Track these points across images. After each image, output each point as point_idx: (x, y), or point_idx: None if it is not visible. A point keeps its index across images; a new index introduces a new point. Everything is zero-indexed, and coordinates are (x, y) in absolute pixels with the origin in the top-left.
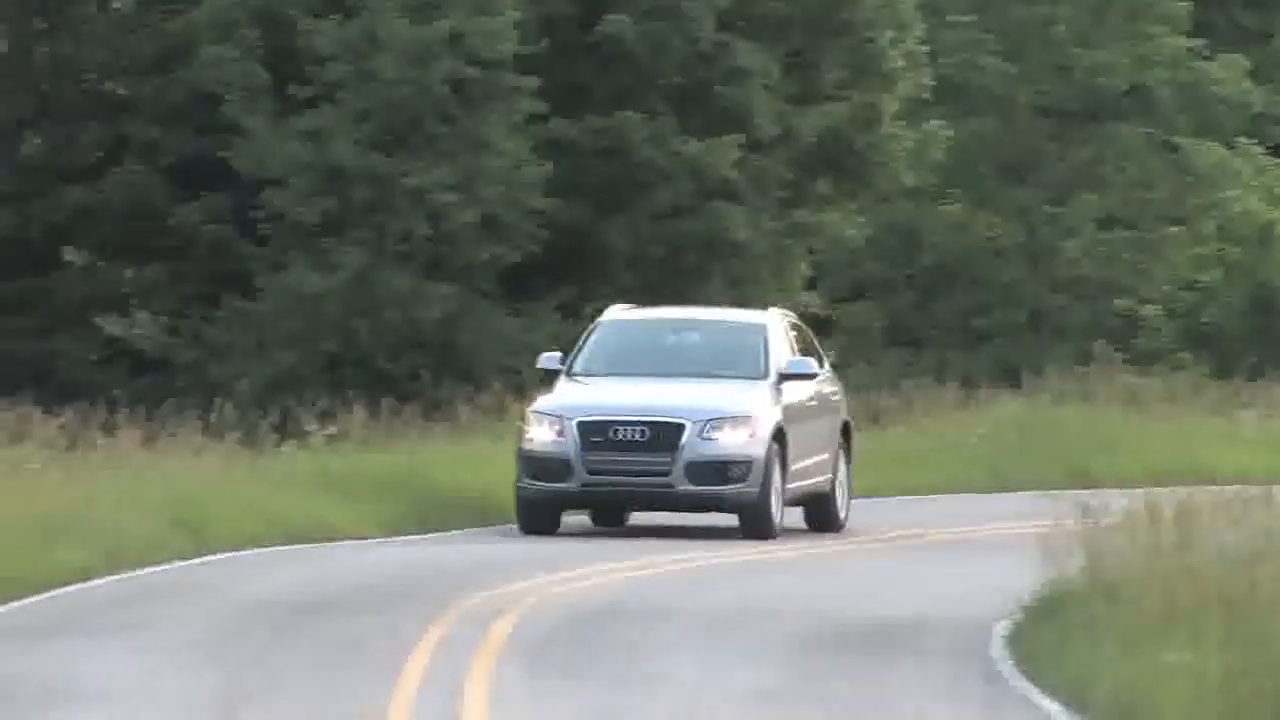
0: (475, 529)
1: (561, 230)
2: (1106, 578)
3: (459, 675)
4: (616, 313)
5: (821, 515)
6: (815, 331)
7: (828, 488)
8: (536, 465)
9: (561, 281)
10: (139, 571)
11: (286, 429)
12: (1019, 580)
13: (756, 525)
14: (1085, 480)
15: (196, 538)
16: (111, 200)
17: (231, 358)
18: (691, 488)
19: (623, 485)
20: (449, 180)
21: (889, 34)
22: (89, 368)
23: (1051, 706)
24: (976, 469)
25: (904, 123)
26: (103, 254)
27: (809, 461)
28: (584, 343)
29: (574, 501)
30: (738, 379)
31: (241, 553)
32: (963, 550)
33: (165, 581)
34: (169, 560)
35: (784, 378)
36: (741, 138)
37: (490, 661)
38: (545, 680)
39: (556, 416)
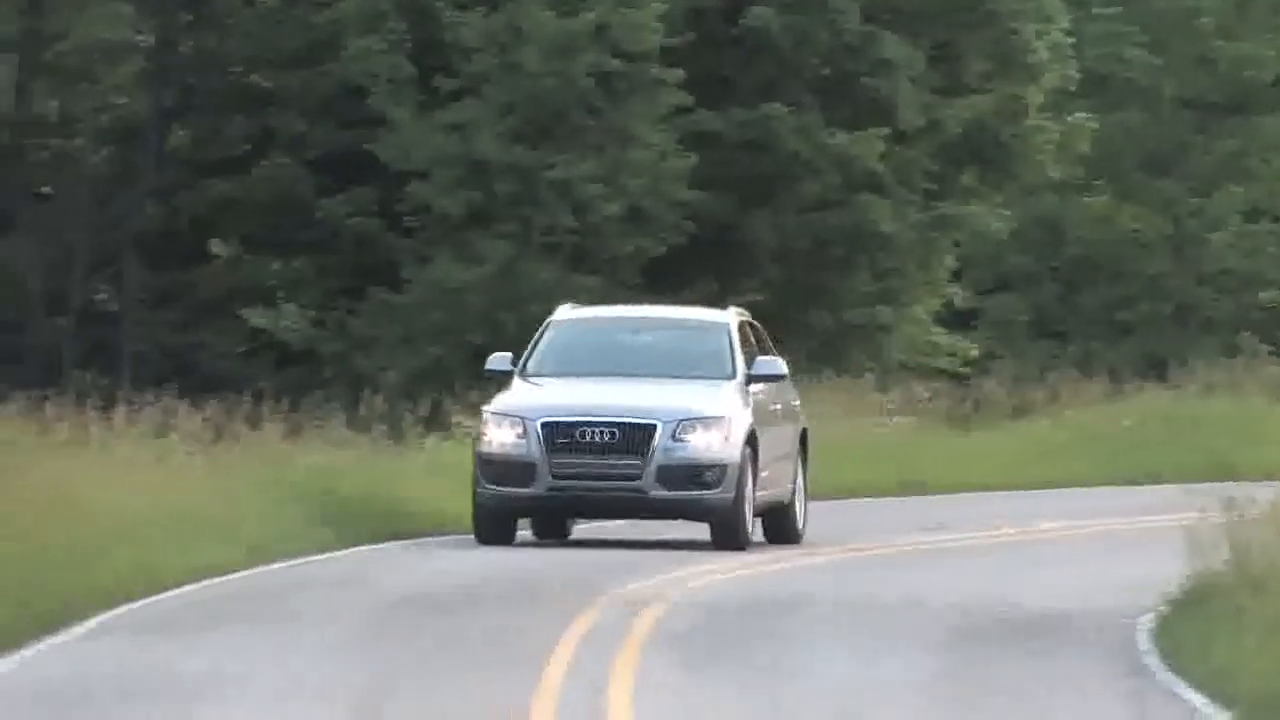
0: (618, 521)
1: (706, 222)
2: (1252, 570)
3: (604, 669)
4: (568, 312)
5: (781, 526)
6: (961, 323)
7: (788, 498)
8: (497, 470)
9: (705, 274)
10: (283, 564)
11: (433, 421)
12: (1165, 572)
13: (728, 534)
14: (1230, 472)
15: (340, 531)
16: (257, 193)
17: (377, 350)
18: (664, 493)
19: (591, 490)
20: (594, 173)
21: (1034, 26)
22: (234, 360)
23: (1197, 699)
24: (1122, 461)
25: (1049, 115)
26: (249, 247)
27: (774, 469)
28: (537, 342)
29: (538, 508)
30: (704, 380)
31: (386, 546)
32: (1108, 543)
33: (310, 575)
34: (313, 553)
35: (751, 379)
36: (887, 130)
37: (635, 654)
38: (691, 673)
39: (517, 417)
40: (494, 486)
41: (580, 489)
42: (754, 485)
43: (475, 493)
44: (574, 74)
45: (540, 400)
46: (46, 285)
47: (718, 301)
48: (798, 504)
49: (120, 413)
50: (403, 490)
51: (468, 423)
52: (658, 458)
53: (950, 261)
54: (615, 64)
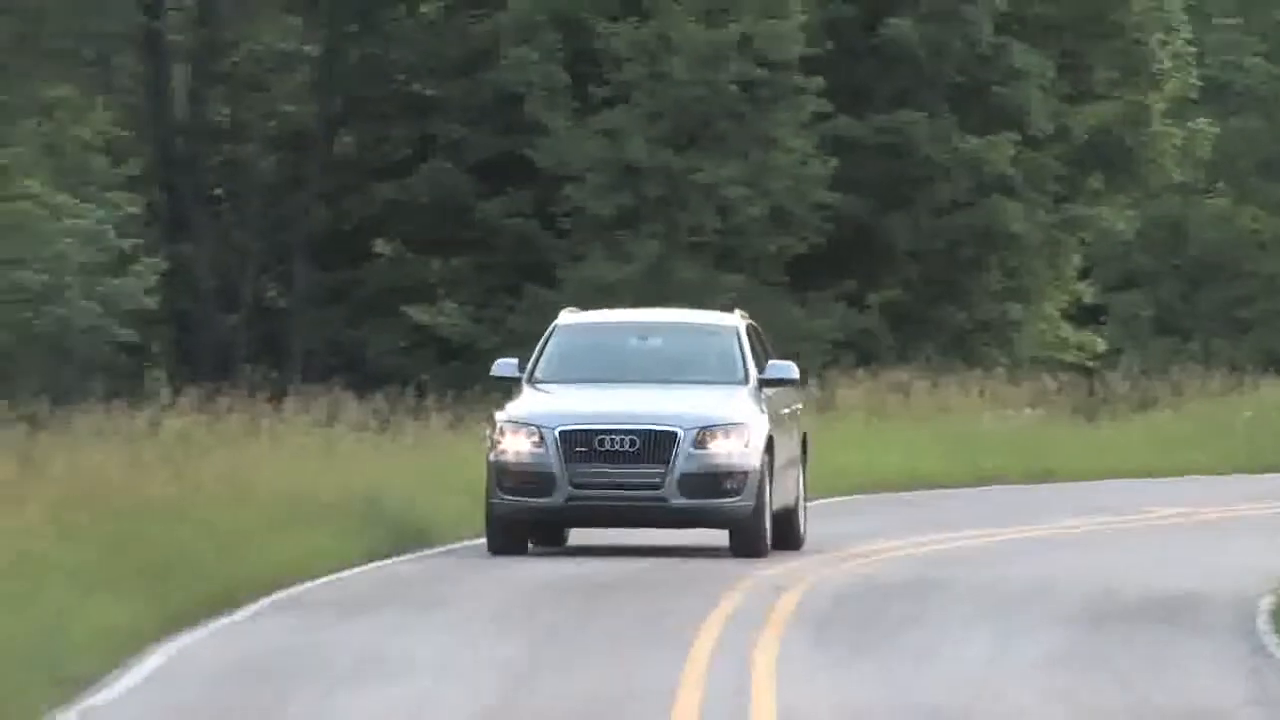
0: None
1: (845, 223)
2: None
3: (747, 648)
4: (572, 316)
5: (785, 532)
6: (1088, 319)
7: (794, 504)
8: (514, 479)
9: (844, 272)
10: (443, 550)
11: None
12: None
13: (748, 542)
14: None
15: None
16: (419, 196)
17: (533, 345)
18: (685, 501)
19: (611, 500)
20: (738, 176)
21: (1157, 36)
22: (397, 354)
23: None
24: (1242, 451)
25: (1171, 121)
26: (411, 246)
27: (785, 475)
28: (543, 348)
29: (557, 517)
30: (717, 385)
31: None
32: (1228, 529)
33: (468, 560)
34: (472, 538)
35: (764, 383)
36: (1017, 135)
37: (777, 635)
38: (831, 653)
39: (534, 426)
40: (511, 496)
41: (600, 498)
42: (772, 492)
43: (490, 503)
44: (720, 82)
45: (556, 407)
46: (219, 284)
47: (857, 299)
48: (800, 510)
49: (289, 404)
50: None
51: None
52: (680, 465)
53: (1078, 260)
54: (759, 73)
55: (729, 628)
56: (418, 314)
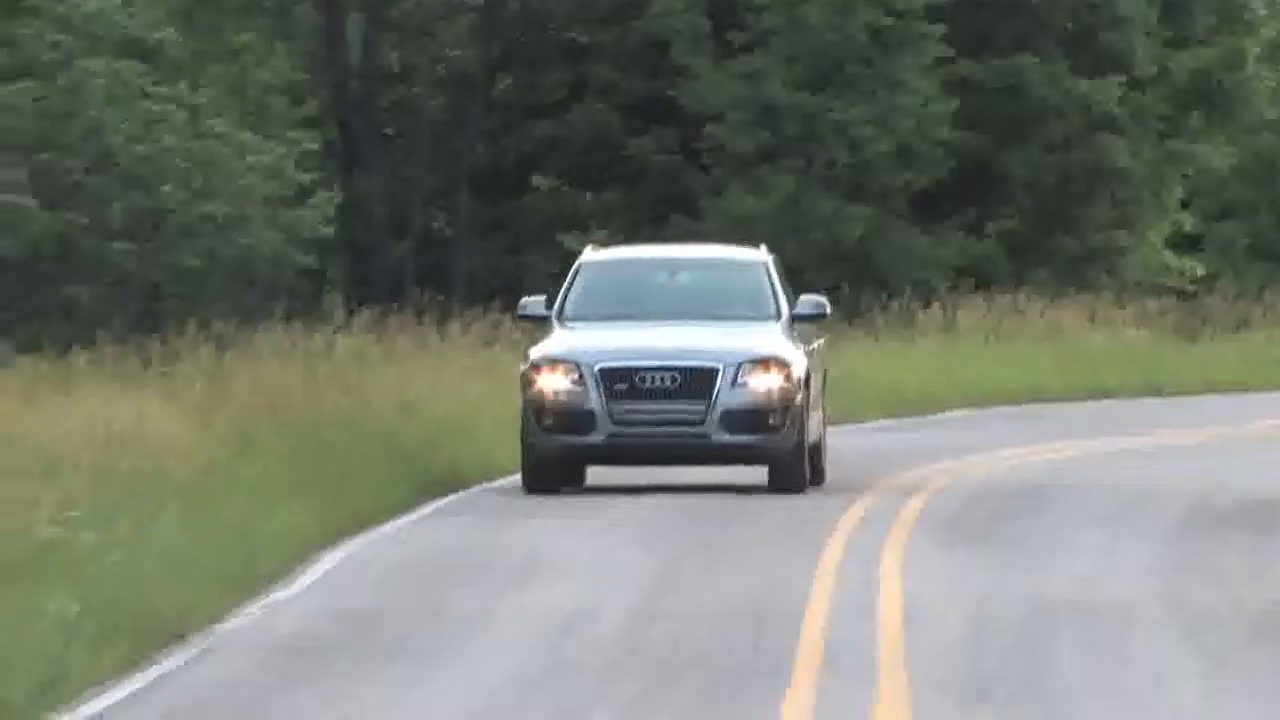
0: (888, 420)
1: (965, 159)
2: None
3: (876, 547)
4: (597, 254)
5: (811, 468)
6: (1189, 246)
7: (820, 440)
8: (553, 416)
9: (965, 204)
10: None
11: None
12: None
13: (789, 477)
14: None
15: None
16: (574, 134)
17: None
18: (728, 438)
19: (653, 437)
20: (868, 115)
21: None
22: (553, 280)
23: None
24: None
25: (1266, 64)
26: (566, 180)
27: (815, 412)
28: (570, 286)
29: (597, 456)
30: (750, 320)
31: None
32: None
33: (619, 471)
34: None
35: (796, 319)
36: (1123, 77)
37: (903, 536)
38: (952, 552)
39: (572, 363)
40: (551, 435)
41: (642, 435)
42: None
43: (527, 441)
44: (851, 29)
45: (594, 344)
46: (390, 215)
47: (976, 229)
48: (823, 447)
49: (453, 326)
50: None
51: None
52: (722, 401)
53: (1179, 192)
54: (887, 20)
55: (860, 530)
56: (572, 242)
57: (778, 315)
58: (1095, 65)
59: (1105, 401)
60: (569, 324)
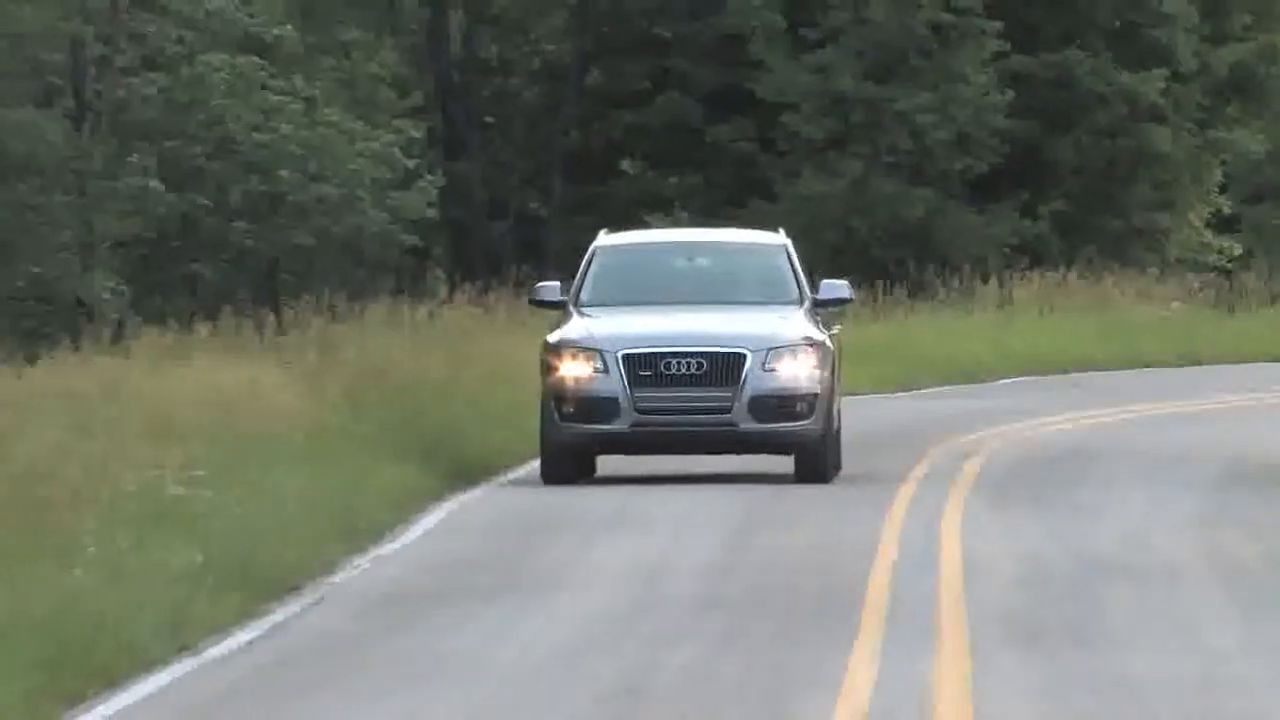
0: (947, 386)
1: (1018, 145)
2: None
3: (937, 505)
4: (612, 238)
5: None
6: (1226, 227)
7: (838, 426)
8: (575, 405)
9: (1018, 187)
10: None
11: None
12: None
13: (816, 467)
14: None
15: None
16: (657, 121)
17: None
18: (756, 425)
19: (678, 425)
20: (929, 105)
21: None
22: None
23: None
24: None
25: None
26: (650, 164)
27: (837, 399)
28: (586, 271)
29: (620, 444)
30: (771, 305)
31: None
32: None
33: None
34: None
35: (819, 303)
36: (1166, 71)
37: (962, 493)
38: (1006, 508)
39: (594, 350)
40: (573, 423)
41: (668, 423)
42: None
43: (545, 430)
44: (914, 25)
45: (616, 330)
46: (489, 196)
47: (1029, 210)
48: (839, 438)
49: None
50: None
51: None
52: (750, 388)
53: (1218, 176)
54: (947, 16)
55: (922, 489)
56: (656, 222)
57: (800, 300)
58: (1139, 59)
59: (1148, 370)
60: (586, 310)
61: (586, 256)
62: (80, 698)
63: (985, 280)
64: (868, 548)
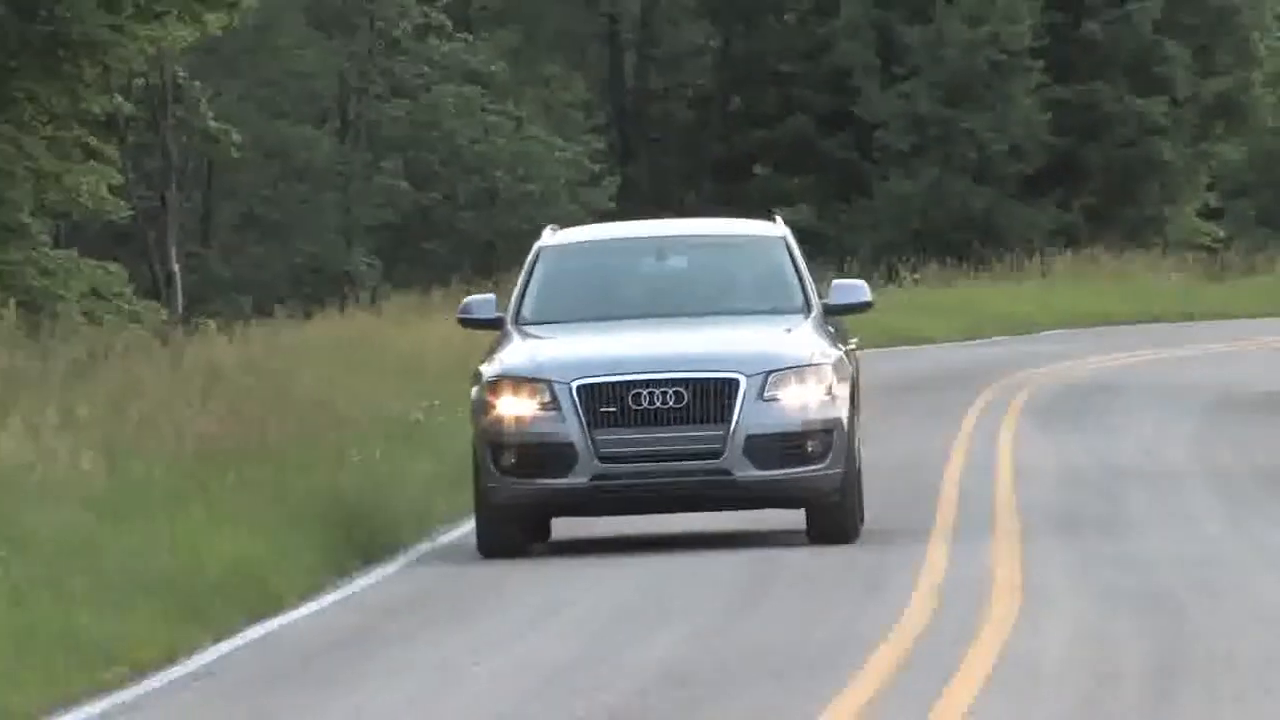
0: (1003, 337)
1: (1056, 154)
2: None
3: (995, 426)
4: (560, 235)
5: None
6: (1213, 216)
7: (859, 470)
8: (517, 454)
9: (1057, 185)
10: None
11: (890, 276)
12: None
13: (836, 521)
14: None
15: None
16: (783, 137)
17: (858, 233)
18: (755, 473)
19: (653, 475)
20: (988, 124)
21: (1255, 32)
22: None
23: None
24: None
25: (1268, 88)
26: (778, 169)
27: (856, 433)
28: (528, 279)
29: (578, 503)
30: (770, 315)
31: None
32: None
33: None
34: None
35: (830, 310)
36: (1167, 98)
37: (1014, 418)
38: (1048, 429)
39: (540, 381)
40: (514, 478)
41: (639, 474)
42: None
43: (481, 488)
44: (975, 62)
45: (567, 355)
46: (655, 193)
47: (1064, 203)
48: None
49: None
50: (873, 316)
51: (913, 277)
52: (745, 425)
53: (1207, 178)
54: (1002, 57)
55: (984, 414)
56: (783, 214)
57: (807, 307)
58: (1149, 89)
59: (1155, 324)
60: (529, 329)
61: (529, 260)
62: (349, 570)
63: (1031, 257)
64: (941, 457)
